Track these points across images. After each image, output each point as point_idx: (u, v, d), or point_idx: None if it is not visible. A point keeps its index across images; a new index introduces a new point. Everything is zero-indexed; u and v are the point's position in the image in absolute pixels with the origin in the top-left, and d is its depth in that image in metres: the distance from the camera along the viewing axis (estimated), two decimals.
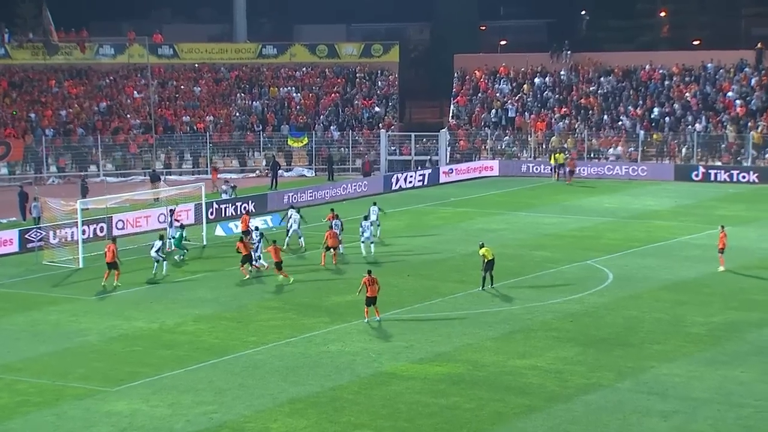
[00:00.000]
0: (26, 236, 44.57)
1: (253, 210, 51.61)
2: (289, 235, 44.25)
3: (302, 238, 44.21)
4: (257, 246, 40.43)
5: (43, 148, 64.66)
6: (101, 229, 46.40)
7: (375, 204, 46.47)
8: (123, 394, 26.91)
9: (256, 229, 42.27)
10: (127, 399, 26.49)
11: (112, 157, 66.96)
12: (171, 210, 45.49)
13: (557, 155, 64.42)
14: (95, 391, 27.13)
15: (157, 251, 39.34)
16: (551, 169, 64.36)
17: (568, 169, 62.87)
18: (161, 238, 40.28)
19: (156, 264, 39.54)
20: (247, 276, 39.15)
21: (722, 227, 40.26)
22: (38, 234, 44.33)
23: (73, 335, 32.36)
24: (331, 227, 41.91)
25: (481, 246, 37.14)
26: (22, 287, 38.65)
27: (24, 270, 41.31)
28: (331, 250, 40.85)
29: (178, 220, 44.93)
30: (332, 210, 45.26)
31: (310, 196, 56.95)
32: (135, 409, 25.81)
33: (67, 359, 29.96)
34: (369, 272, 33.38)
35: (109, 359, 29.97)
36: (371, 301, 32.96)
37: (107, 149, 66.46)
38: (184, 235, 42.87)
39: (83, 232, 43.58)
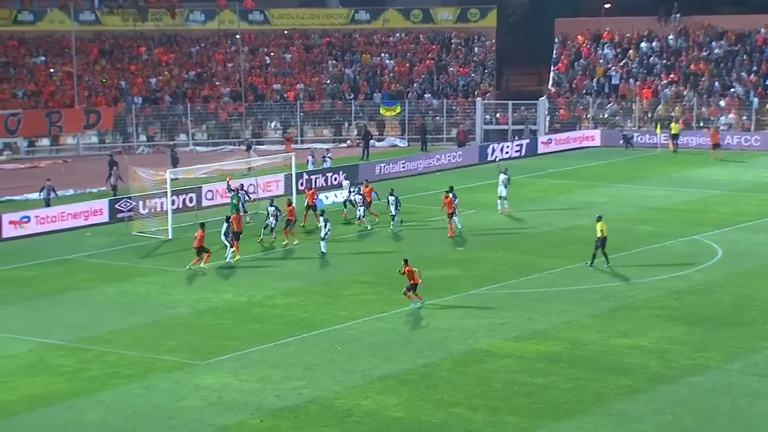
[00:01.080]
0: (116, 206, 44.60)
1: (341, 180, 50.89)
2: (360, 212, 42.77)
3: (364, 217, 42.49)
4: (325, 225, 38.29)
5: (132, 116, 64.95)
6: (190, 200, 46.24)
7: (505, 171, 45.27)
8: (212, 367, 26.71)
9: (323, 214, 39.60)
10: (217, 373, 26.27)
11: (203, 125, 66.94)
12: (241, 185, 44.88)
13: (674, 124, 62.24)
14: (184, 364, 26.97)
15: (225, 235, 37.55)
16: (659, 139, 62.22)
17: (711, 143, 59.46)
18: (228, 220, 38.22)
19: (227, 248, 37.59)
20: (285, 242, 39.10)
21: None
22: (128, 204, 44.31)
23: (162, 307, 32.20)
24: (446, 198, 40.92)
25: (598, 219, 35.58)
26: (112, 258, 38.69)
27: (114, 240, 41.38)
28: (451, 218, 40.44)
29: (234, 189, 43.69)
30: (366, 182, 44.44)
31: (402, 167, 56.02)
32: (224, 383, 25.56)
33: (156, 331, 29.86)
34: (406, 261, 31.61)
35: (199, 332, 29.77)
36: (413, 287, 31.42)
37: (197, 118, 66.46)
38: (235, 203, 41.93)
39: (173, 202, 43.38)
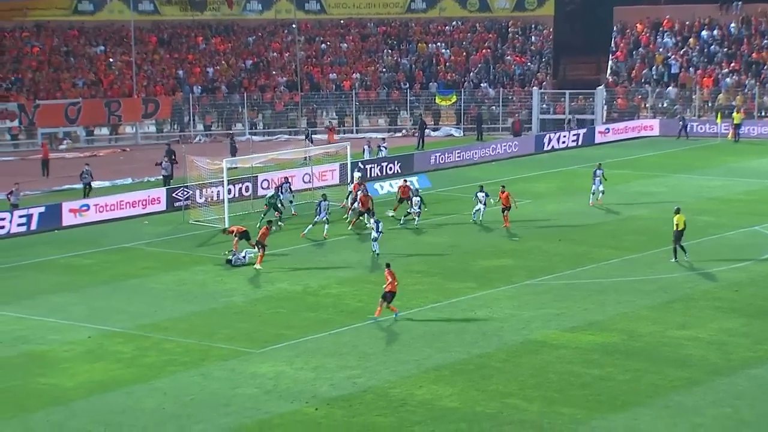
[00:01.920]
0: (173, 195, 44.96)
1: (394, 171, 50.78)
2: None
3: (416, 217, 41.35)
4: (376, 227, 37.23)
5: (189, 106, 65.40)
6: (246, 189, 46.45)
7: (600, 167, 44.31)
8: (267, 356, 26.82)
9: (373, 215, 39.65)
10: (272, 361, 26.37)
11: (261, 115, 67.22)
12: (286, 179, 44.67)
13: (735, 114, 61.22)
14: (240, 352, 27.10)
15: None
16: (720, 129, 61.19)
17: None
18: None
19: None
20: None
21: None
22: (185, 193, 44.66)
23: (218, 296, 32.40)
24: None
25: (676, 212, 34.91)
26: (169, 246, 39.02)
27: (171, 229, 41.73)
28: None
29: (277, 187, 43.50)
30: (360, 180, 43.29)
31: (457, 157, 55.81)
32: (279, 371, 25.66)
33: (212, 320, 30.05)
34: (388, 265, 29.82)
35: (254, 321, 29.91)
36: (391, 297, 29.35)
37: (253, 107, 66.75)
38: (278, 196, 41.74)
39: (229, 191, 43.63)
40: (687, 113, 65.33)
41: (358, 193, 41.11)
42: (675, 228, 34.49)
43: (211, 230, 41.33)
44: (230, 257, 35.82)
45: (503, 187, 40.80)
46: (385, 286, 29.45)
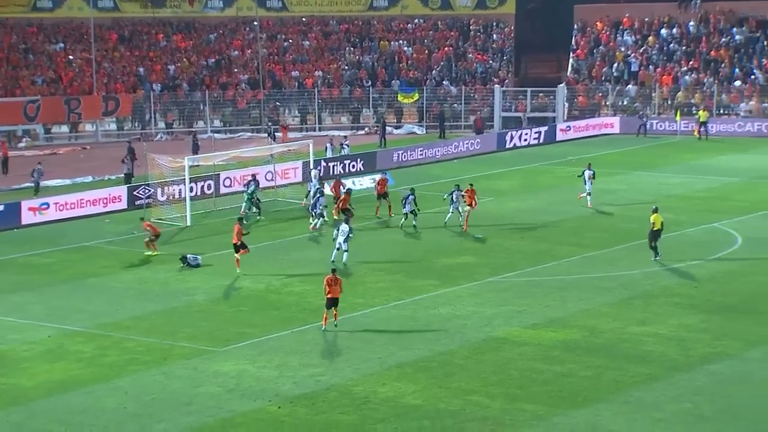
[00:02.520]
0: (134, 193, 44.67)
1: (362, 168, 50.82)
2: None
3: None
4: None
5: (151, 103, 64.98)
6: (209, 187, 46.22)
7: (589, 167, 43.73)
8: (230, 354, 26.74)
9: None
10: (234, 359, 26.28)
11: (221, 113, 66.93)
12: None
13: (701, 112, 61.56)
14: (202, 351, 27.02)
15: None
16: (679, 126, 61.66)
17: None
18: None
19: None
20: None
21: None
22: (146, 191, 44.38)
23: (180, 294, 32.25)
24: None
25: (654, 211, 34.80)
26: (131, 245, 38.73)
27: (132, 227, 41.40)
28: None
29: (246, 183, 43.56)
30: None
31: (420, 155, 55.88)
32: (242, 369, 25.58)
33: (174, 318, 29.92)
34: (333, 271, 29.11)
35: (216, 319, 29.80)
36: (332, 303, 28.43)
37: (215, 105, 66.45)
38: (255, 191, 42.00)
39: (191, 189, 43.42)
40: (647, 111, 65.83)
41: (342, 193, 41.13)
42: (651, 227, 34.31)
43: (172, 228, 41.12)
44: (187, 255, 35.60)
45: (471, 185, 40.74)
46: (326, 293, 28.37)
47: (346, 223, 35.17)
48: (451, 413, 22.94)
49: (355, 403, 23.55)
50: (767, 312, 29.47)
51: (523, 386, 24.31)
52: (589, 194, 43.03)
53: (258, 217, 41.72)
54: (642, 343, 27.08)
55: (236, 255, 34.25)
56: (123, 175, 49.12)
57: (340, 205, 40.32)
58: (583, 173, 43.46)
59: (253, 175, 44.75)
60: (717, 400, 23.42)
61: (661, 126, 63.43)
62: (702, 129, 60.84)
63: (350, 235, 34.63)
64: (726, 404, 23.26)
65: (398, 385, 24.44)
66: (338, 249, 34.71)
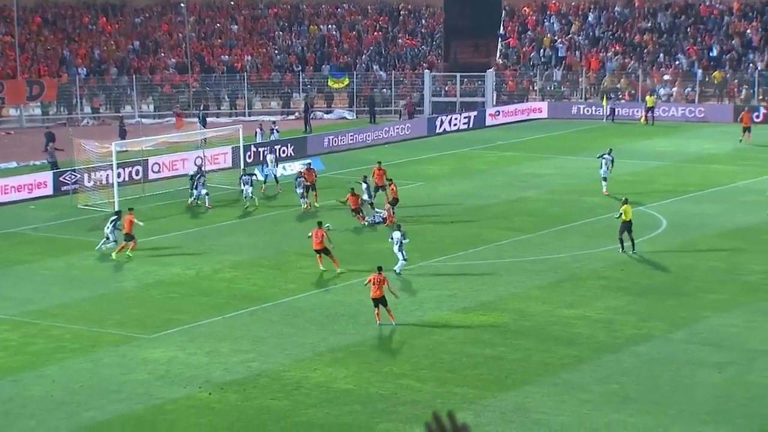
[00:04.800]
0: (61, 179, 43.96)
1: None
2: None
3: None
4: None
5: (76, 87, 63.88)
6: (137, 173, 45.69)
7: (610, 152, 43.00)
8: (160, 341, 26.51)
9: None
10: (164, 346, 26.08)
11: (149, 97, 66.06)
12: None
13: (649, 97, 61.66)
14: (131, 338, 26.74)
15: (111, 228, 34.57)
16: (605, 111, 62.25)
17: (743, 126, 53.54)
18: (117, 214, 35.81)
19: (105, 240, 34.89)
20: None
21: None
22: (73, 177, 43.71)
23: (109, 281, 31.87)
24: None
25: (624, 202, 34.10)
26: (57, 231, 38.20)
27: (59, 213, 40.83)
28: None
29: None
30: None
31: (351, 140, 55.83)
32: (172, 356, 25.39)
33: (103, 305, 29.55)
34: (379, 269, 27.75)
35: (146, 306, 29.50)
36: (378, 302, 27.34)
37: (142, 90, 65.56)
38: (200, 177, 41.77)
39: (119, 175, 42.85)
40: (574, 96, 66.44)
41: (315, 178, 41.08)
42: (622, 219, 33.54)
43: (100, 214, 40.54)
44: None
45: (379, 162, 40.53)
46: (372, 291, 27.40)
47: (398, 229, 32.25)
48: (382, 397, 23.00)
49: (286, 388, 23.50)
50: (691, 293, 29.92)
51: (454, 369, 24.45)
52: (605, 180, 41.88)
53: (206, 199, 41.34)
54: (570, 325, 27.35)
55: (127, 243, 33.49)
56: (48, 163, 48.08)
57: (351, 206, 37.81)
58: (601, 156, 42.51)
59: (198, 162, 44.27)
60: (642, 381, 23.73)
61: (587, 111, 64.10)
62: (649, 114, 61.20)
63: (404, 240, 31.64)
64: (651, 385, 23.62)
65: (330, 370, 24.42)
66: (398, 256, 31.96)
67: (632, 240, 33.68)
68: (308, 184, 40.95)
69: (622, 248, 33.74)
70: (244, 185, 41.14)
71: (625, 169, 48.54)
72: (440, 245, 35.30)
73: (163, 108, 65.69)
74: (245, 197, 41.09)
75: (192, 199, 41.48)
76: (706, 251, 34.19)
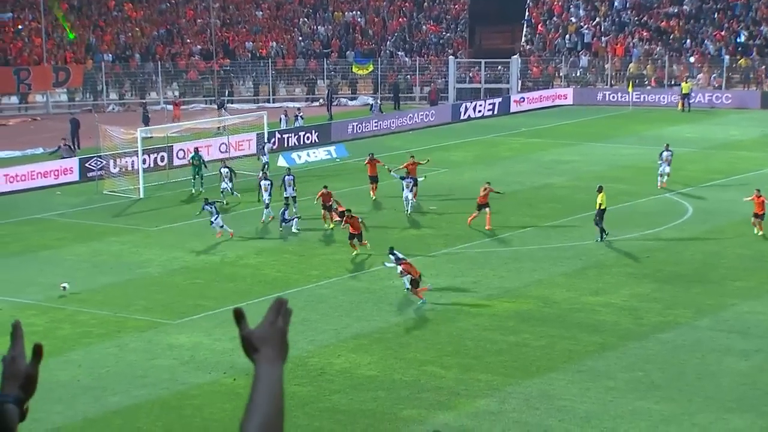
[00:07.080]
0: (86, 165, 44.19)
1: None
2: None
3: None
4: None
5: (102, 74, 64.10)
6: (162, 159, 45.84)
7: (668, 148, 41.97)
8: (185, 327, 26.59)
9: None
10: (189, 332, 26.15)
11: (174, 84, 66.22)
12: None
13: (684, 84, 61.02)
14: (157, 323, 26.83)
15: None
16: (631, 98, 61.63)
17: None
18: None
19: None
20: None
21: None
22: (98, 163, 43.92)
23: (134, 267, 31.99)
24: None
25: (599, 190, 33.74)
26: (83, 217, 38.38)
27: (85, 200, 41.05)
28: None
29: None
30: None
31: (375, 126, 55.77)
32: (197, 342, 25.45)
33: (128, 291, 29.68)
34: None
35: (171, 291, 29.61)
36: (416, 284, 28.16)
37: (167, 76, 65.73)
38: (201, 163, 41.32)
39: (144, 161, 43.03)
40: (599, 82, 66.01)
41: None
42: (597, 207, 33.45)
43: (125, 200, 40.77)
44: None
45: (413, 156, 40.36)
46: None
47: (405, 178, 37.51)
48: (406, 384, 23.01)
49: (311, 374, 23.55)
50: (717, 281, 29.76)
51: (478, 356, 24.42)
52: (661, 175, 41.08)
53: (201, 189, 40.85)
54: (595, 312, 27.26)
55: None
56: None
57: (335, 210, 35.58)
58: (661, 154, 41.67)
59: (196, 149, 43.63)
60: (668, 368, 23.64)
61: (613, 97, 63.73)
62: (685, 101, 60.45)
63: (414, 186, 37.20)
64: (676, 372, 23.53)
65: (354, 357, 24.46)
66: (406, 200, 36.90)
67: (603, 229, 33.24)
68: (328, 204, 35.81)
69: (603, 235, 33.34)
70: (225, 181, 38.95)
71: (652, 156, 48.26)
72: (464, 232, 35.21)
73: (188, 94, 65.83)
74: (222, 191, 38.95)
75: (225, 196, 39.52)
76: (733, 238, 33.97)
